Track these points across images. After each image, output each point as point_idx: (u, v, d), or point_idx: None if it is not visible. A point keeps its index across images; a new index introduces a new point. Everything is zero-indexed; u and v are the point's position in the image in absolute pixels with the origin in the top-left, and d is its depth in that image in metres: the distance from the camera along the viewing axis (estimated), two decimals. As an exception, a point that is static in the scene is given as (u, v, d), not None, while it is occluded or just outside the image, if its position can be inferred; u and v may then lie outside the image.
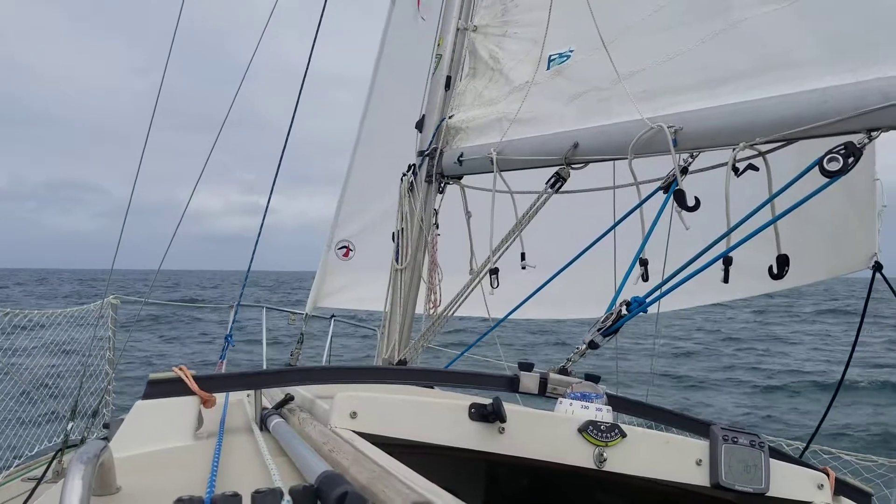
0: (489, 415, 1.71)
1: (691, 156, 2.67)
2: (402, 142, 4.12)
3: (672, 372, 16.71)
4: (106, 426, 5.55)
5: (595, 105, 3.08)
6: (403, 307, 3.71)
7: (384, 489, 1.08)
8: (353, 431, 1.62)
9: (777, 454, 2.03)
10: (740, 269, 2.46)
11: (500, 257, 3.35)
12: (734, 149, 2.42)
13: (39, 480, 4.05)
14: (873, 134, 2.14)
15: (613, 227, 3.04)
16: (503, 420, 1.71)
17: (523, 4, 3.67)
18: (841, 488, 2.06)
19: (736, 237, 2.39)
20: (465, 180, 3.78)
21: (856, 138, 2.14)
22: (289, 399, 2.07)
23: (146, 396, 1.73)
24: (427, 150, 3.80)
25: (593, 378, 2.11)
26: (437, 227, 3.87)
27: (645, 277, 2.78)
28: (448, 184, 3.82)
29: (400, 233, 3.77)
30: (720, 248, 2.42)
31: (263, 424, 1.88)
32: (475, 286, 3.38)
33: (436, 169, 3.75)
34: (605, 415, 1.88)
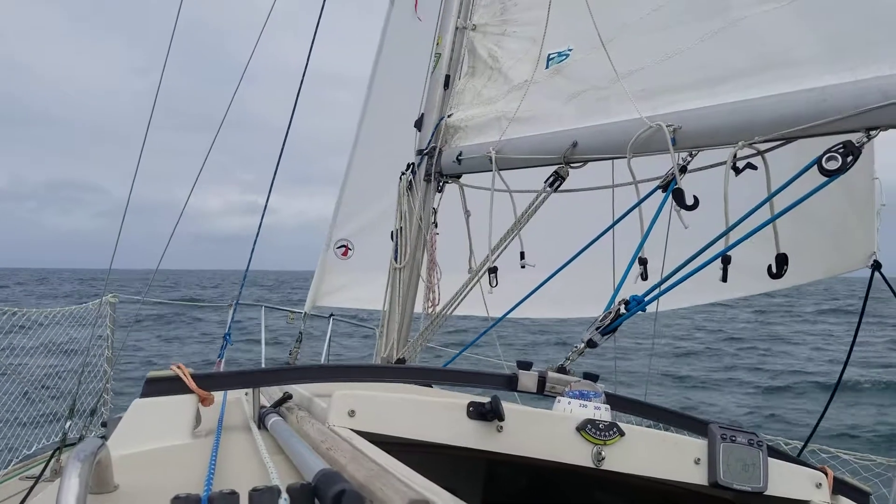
0: (487, 413, 1.71)
1: (690, 155, 2.67)
2: (401, 141, 4.12)
3: (674, 372, 16.71)
4: (104, 425, 5.55)
5: (594, 104, 3.08)
6: (402, 306, 3.71)
7: (382, 487, 1.08)
8: (352, 430, 1.62)
9: (775, 453, 2.03)
10: (739, 268, 2.46)
11: (498, 256, 3.34)
12: (734, 147, 2.42)
13: (37, 479, 4.04)
14: (872, 133, 2.14)
15: (612, 226, 3.04)
16: (501, 419, 1.71)
17: (522, 3, 3.66)
18: (839, 487, 2.06)
19: (734, 236, 2.39)
20: (464, 179, 3.78)
21: (854, 137, 2.14)
22: (287, 397, 2.07)
23: (144, 395, 1.73)
24: (426, 148, 3.79)
25: (592, 377, 2.11)
26: (436, 225, 3.87)
27: (644, 276, 2.78)
28: (447, 182, 3.82)
29: (399, 232, 3.77)
30: (719, 246, 2.42)
31: (261, 423, 1.87)
32: (474, 285, 3.38)
33: (434, 168, 3.75)
34: (603, 413, 1.88)
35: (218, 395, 1.86)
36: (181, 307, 28.68)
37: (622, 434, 1.79)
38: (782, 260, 2.44)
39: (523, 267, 3.41)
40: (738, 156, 2.44)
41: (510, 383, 2.24)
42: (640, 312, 2.49)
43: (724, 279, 2.43)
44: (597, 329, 2.46)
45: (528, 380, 2.22)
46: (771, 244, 2.46)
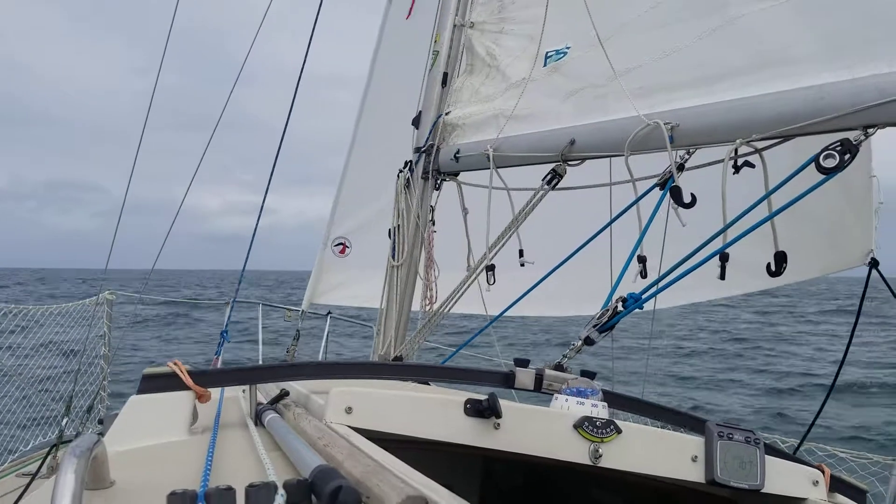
0: (485, 410, 1.71)
1: (688, 152, 2.67)
2: (398, 139, 4.12)
3: (677, 372, 16.71)
4: (100, 422, 5.54)
5: (591, 102, 3.08)
6: (399, 304, 3.70)
7: (378, 483, 1.08)
8: (348, 426, 1.61)
9: (773, 451, 2.03)
10: (736, 266, 2.46)
11: (496, 254, 3.34)
12: (731, 145, 2.42)
13: (34, 476, 4.04)
14: (870, 130, 2.14)
15: (610, 224, 3.04)
16: (499, 416, 1.71)
17: (520, 1, 3.66)
18: (836, 485, 2.06)
19: (732, 234, 2.39)
20: (462, 177, 3.78)
21: (852, 135, 2.14)
22: (284, 394, 2.07)
23: (141, 391, 1.73)
24: (423, 146, 3.79)
25: (589, 374, 2.11)
26: (434, 223, 3.87)
27: (643, 274, 2.79)
28: (444, 180, 3.82)
29: (396, 229, 3.77)
30: (716, 244, 2.42)
31: (258, 419, 1.87)
32: (471, 283, 3.38)
33: (432, 165, 3.74)
34: (600, 411, 1.88)
35: (215, 392, 1.86)
36: (181, 307, 28.64)
37: (619, 431, 1.79)
38: (781, 258, 2.45)
39: (522, 265, 3.41)
40: (736, 153, 2.44)
41: (507, 380, 2.23)
42: (643, 312, 2.49)
43: (723, 277, 2.43)
44: (594, 326, 2.46)
45: (525, 377, 2.22)
46: (768, 242, 2.47)
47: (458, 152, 3.60)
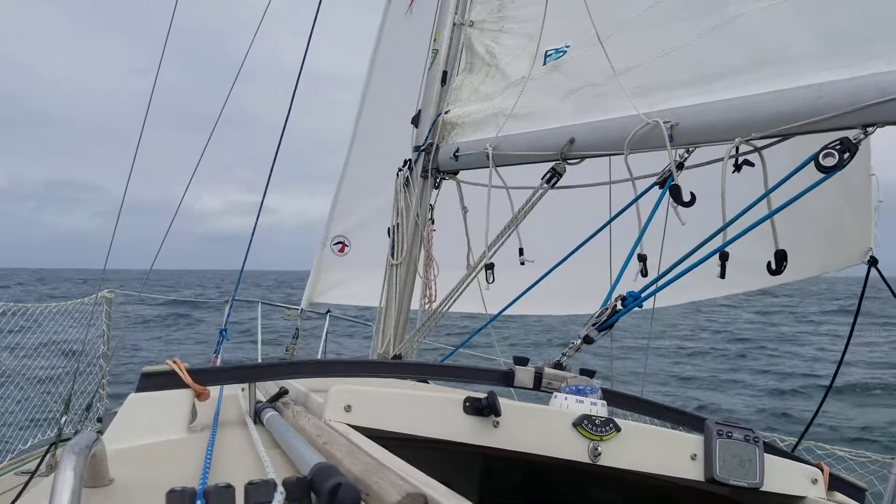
0: (484, 408, 1.71)
1: (687, 151, 2.67)
2: (397, 137, 4.12)
3: (679, 372, 16.70)
4: (99, 420, 5.54)
5: (591, 100, 3.07)
6: (399, 302, 3.70)
7: (378, 481, 1.08)
8: (348, 425, 1.61)
9: (772, 449, 2.03)
10: (736, 265, 2.46)
11: (495, 252, 3.34)
12: (731, 144, 2.42)
13: (32, 474, 4.03)
14: (869, 129, 2.14)
15: (609, 223, 3.04)
16: (498, 414, 1.71)
17: (519, 0, 3.66)
18: (835, 483, 2.06)
19: (732, 232, 2.39)
20: (461, 175, 3.78)
21: (851, 134, 2.14)
22: (283, 393, 2.07)
23: (140, 389, 1.73)
24: (423, 145, 3.79)
25: (588, 373, 2.11)
26: (433, 222, 3.87)
27: (644, 273, 2.79)
28: (444, 179, 3.82)
29: (395, 228, 3.77)
30: (716, 243, 2.42)
31: (257, 418, 1.87)
32: (470, 281, 3.38)
33: (432, 164, 3.74)
34: (599, 409, 1.88)
35: (214, 390, 1.86)
36: (181, 308, 28.60)
37: (618, 430, 1.79)
38: (781, 256, 2.45)
39: (522, 263, 3.41)
40: (734, 152, 2.44)
41: (506, 379, 2.23)
42: (644, 312, 2.49)
43: (723, 276, 2.43)
44: (593, 325, 2.46)
45: (524, 375, 2.22)
46: (768, 240, 2.47)
47: (457, 151, 3.60)
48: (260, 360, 6.65)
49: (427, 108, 3.88)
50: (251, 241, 5.02)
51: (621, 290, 2.53)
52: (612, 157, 3.02)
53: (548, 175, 3.14)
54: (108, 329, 6.71)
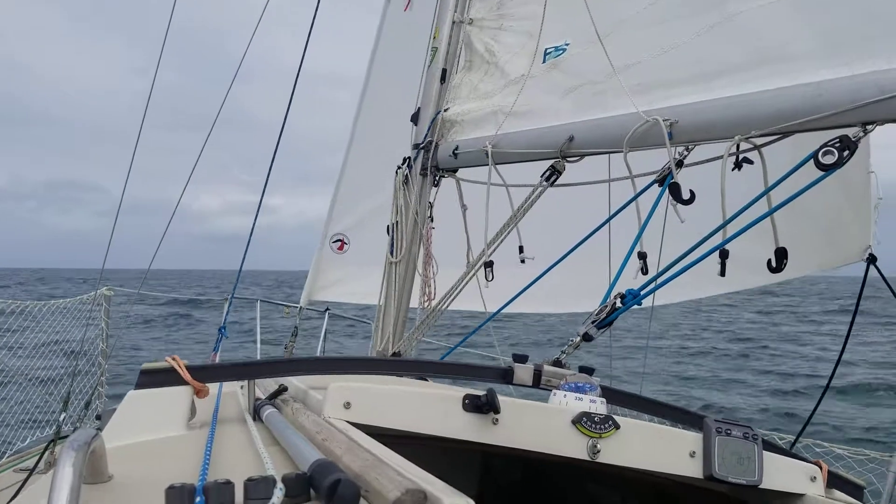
0: (483, 406, 1.70)
1: (686, 149, 2.67)
2: (397, 135, 4.11)
3: (681, 372, 16.70)
4: (98, 417, 5.54)
5: (590, 98, 3.07)
6: (398, 300, 3.70)
7: (377, 477, 1.08)
8: (347, 421, 1.61)
9: (770, 447, 2.03)
10: (736, 262, 2.46)
11: (494, 250, 3.34)
12: (730, 142, 2.42)
13: (31, 471, 4.03)
14: (868, 127, 2.14)
15: (608, 221, 3.04)
16: (497, 411, 1.71)
17: (519, -3, 3.66)
18: (833, 481, 2.07)
19: (731, 230, 2.39)
20: (461, 173, 3.77)
21: (851, 131, 2.14)
22: (282, 390, 2.07)
23: (139, 386, 1.73)
24: (422, 143, 3.79)
25: (587, 370, 2.11)
26: (432, 220, 3.87)
27: (644, 270, 2.79)
28: (443, 177, 3.82)
29: (395, 226, 3.76)
30: (716, 240, 2.42)
31: (257, 415, 1.87)
32: (469, 279, 3.38)
33: (431, 162, 3.74)
34: (598, 406, 1.87)
35: (213, 387, 1.86)
36: (181, 308, 28.58)
37: (617, 427, 1.78)
38: (782, 254, 2.45)
39: (523, 261, 3.41)
40: (734, 150, 2.44)
41: (506, 376, 2.23)
42: (644, 310, 2.49)
43: (723, 273, 2.43)
44: (593, 322, 2.46)
45: (523, 373, 2.22)
46: (767, 238, 2.47)
47: (456, 149, 3.59)
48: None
49: (426, 105, 3.88)
50: (249, 240, 5.02)
51: (621, 287, 2.53)
52: (611, 154, 3.02)
53: (547, 173, 3.14)
54: (107, 326, 6.71)
